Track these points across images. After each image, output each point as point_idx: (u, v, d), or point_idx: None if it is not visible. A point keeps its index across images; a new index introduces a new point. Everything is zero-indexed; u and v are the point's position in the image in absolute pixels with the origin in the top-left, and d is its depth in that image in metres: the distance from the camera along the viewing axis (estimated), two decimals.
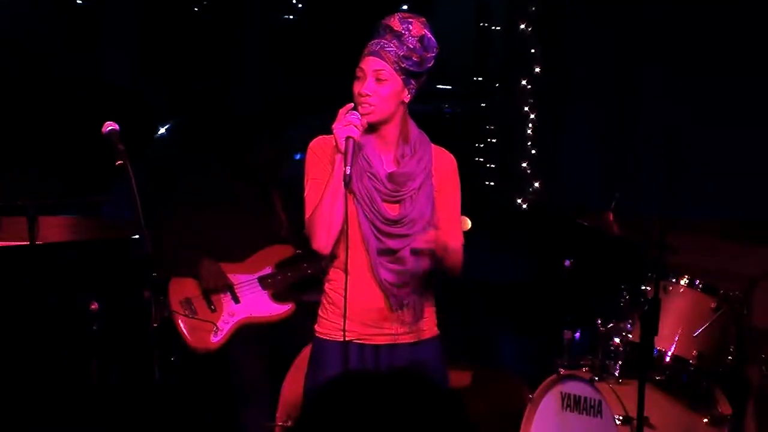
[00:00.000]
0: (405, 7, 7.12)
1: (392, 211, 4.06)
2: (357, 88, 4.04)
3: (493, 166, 7.26)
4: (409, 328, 4.11)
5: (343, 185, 3.92)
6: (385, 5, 7.02)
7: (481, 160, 7.27)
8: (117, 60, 6.96)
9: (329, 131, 4.12)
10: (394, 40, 4.01)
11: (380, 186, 4.05)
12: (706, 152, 6.07)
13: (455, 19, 7.40)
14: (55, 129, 6.35)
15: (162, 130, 6.33)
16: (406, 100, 4.07)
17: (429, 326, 4.18)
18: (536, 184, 7.02)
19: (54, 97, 6.23)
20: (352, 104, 4.01)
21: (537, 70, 7.01)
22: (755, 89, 6.02)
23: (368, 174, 4.06)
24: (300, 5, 7.25)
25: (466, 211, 4.84)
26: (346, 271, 4.03)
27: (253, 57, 7.21)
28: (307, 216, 4.06)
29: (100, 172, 5.05)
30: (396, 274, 4.05)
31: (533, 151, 7.05)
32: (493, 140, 7.27)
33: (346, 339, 4.10)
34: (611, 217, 5.29)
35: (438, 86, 7.38)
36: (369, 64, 4.03)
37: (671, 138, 5.40)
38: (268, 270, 5.66)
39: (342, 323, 4.08)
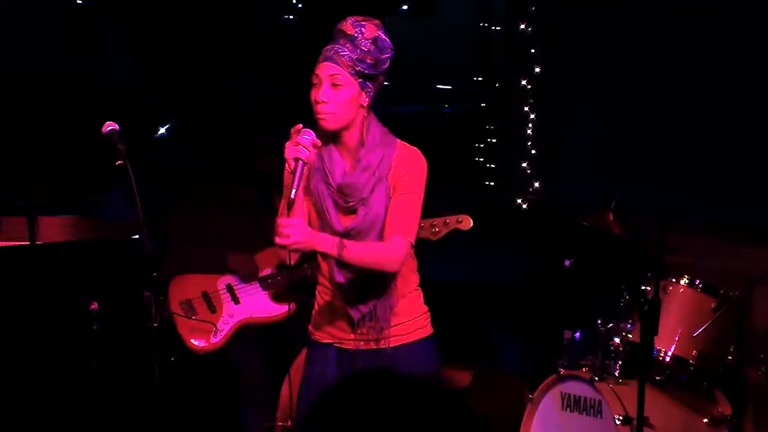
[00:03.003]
0: (405, 7, 7.13)
1: (346, 221, 4.04)
2: (314, 95, 3.98)
3: (493, 166, 7.26)
4: (377, 335, 4.11)
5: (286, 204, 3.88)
6: (385, 5, 7.02)
7: (481, 160, 7.27)
8: (117, 60, 6.96)
9: None
10: (348, 44, 3.96)
11: (334, 195, 4.04)
12: (706, 152, 6.07)
13: (455, 19, 7.40)
14: (55, 129, 6.35)
15: (162, 130, 6.33)
16: (365, 104, 4.00)
17: (408, 331, 4.16)
18: (536, 184, 7.03)
19: (54, 97, 6.23)
20: (301, 125, 3.94)
21: (537, 70, 7.02)
22: (755, 89, 6.02)
23: (324, 183, 4.04)
24: (300, 5, 7.25)
25: (466, 211, 4.84)
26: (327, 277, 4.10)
27: (253, 57, 7.21)
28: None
29: (100, 172, 5.06)
30: (348, 279, 4.04)
31: (533, 151, 7.05)
32: (493, 140, 7.27)
33: (328, 342, 4.16)
34: (611, 217, 5.29)
35: (438, 86, 7.38)
36: (324, 69, 3.97)
37: (671, 138, 5.40)
38: (268, 271, 5.66)
39: (324, 326, 4.17)
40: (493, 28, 7.34)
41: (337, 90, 3.96)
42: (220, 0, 7.11)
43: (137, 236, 4.16)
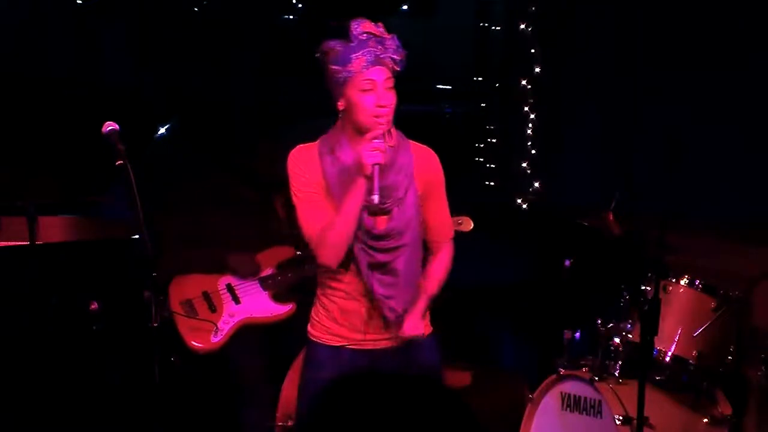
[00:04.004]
0: (405, 7, 7.12)
1: (380, 224, 4.02)
2: (371, 101, 3.93)
3: (493, 166, 7.26)
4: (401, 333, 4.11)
5: (361, 208, 3.90)
6: (385, 5, 7.02)
7: (481, 160, 7.28)
8: (117, 60, 6.97)
9: (327, 132, 4.11)
10: (379, 46, 3.93)
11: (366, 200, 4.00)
12: (706, 152, 6.07)
13: (455, 19, 7.41)
14: (55, 129, 6.35)
15: (162, 130, 6.33)
16: None
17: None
18: (536, 184, 7.03)
19: (54, 98, 6.23)
20: (379, 132, 3.93)
21: (537, 70, 7.02)
22: (755, 89, 6.02)
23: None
24: (300, 5, 7.25)
25: (466, 211, 4.84)
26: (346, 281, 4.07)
27: (252, 57, 7.22)
28: (308, 231, 4.02)
29: (100, 172, 5.06)
30: (389, 287, 4.03)
31: (533, 151, 7.05)
32: (493, 140, 7.28)
33: (340, 344, 4.12)
34: (611, 217, 5.29)
35: (438, 86, 7.38)
36: (379, 74, 3.93)
37: (671, 138, 5.40)
38: (268, 271, 5.66)
39: (334, 328, 4.11)
40: (493, 28, 7.34)
41: (392, 92, 3.96)
42: (220, 0, 7.11)
43: (137, 236, 4.16)
